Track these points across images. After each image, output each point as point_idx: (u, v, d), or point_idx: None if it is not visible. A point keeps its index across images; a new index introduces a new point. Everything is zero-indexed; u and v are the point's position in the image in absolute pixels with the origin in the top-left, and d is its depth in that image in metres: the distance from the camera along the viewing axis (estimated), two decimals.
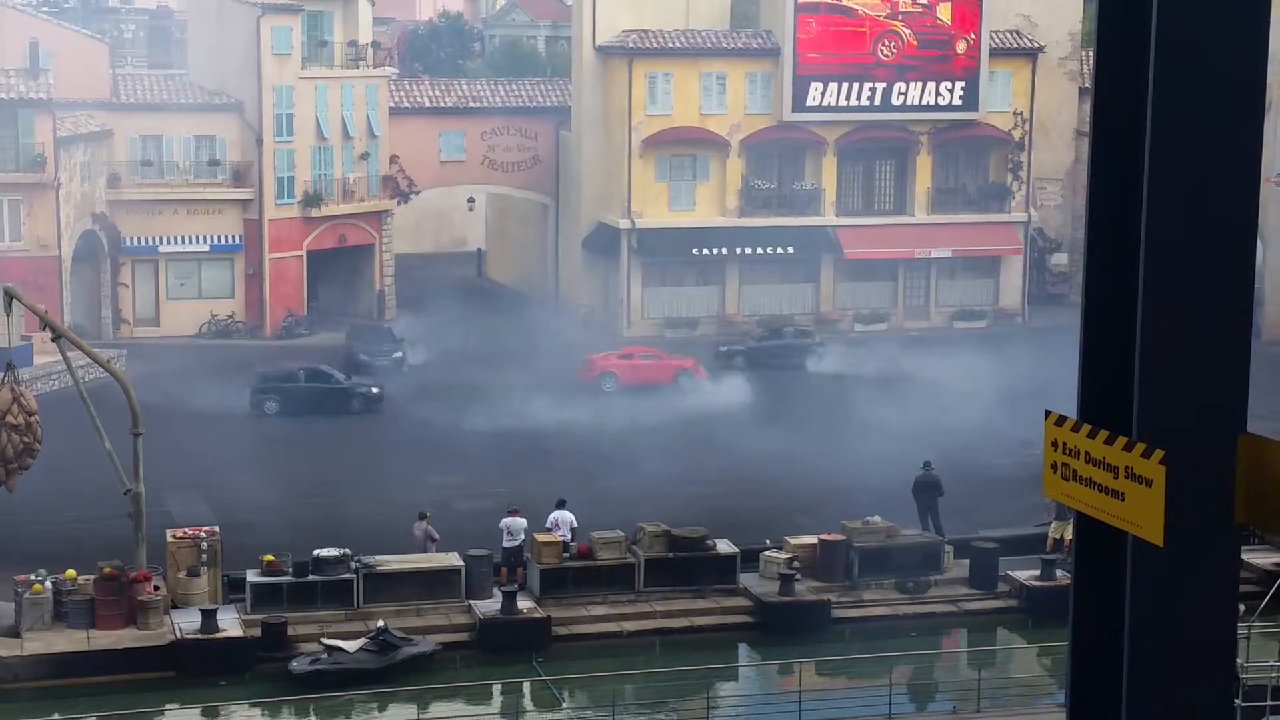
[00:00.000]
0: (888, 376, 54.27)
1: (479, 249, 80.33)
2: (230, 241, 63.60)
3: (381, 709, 30.58)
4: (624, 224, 64.23)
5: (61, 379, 46.22)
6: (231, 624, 32.20)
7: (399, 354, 57.16)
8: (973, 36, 65.00)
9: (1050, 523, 36.85)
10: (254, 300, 63.91)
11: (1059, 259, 71.82)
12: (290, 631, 32.18)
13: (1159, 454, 7.69)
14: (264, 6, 62.69)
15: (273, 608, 32.62)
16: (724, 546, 35.20)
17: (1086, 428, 8.18)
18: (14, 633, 31.84)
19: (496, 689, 31.58)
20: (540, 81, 73.99)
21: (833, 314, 66.03)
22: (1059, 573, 34.59)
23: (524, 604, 33.30)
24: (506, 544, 34.86)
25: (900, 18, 64.32)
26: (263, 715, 30.56)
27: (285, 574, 33.26)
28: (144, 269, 63.33)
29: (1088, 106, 58.50)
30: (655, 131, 63.90)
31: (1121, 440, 7.92)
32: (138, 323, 63.18)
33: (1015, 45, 67.21)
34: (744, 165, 65.07)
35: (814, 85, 64.14)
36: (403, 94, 69.30)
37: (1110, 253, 8.11)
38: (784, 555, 34.97)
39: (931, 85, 64.98)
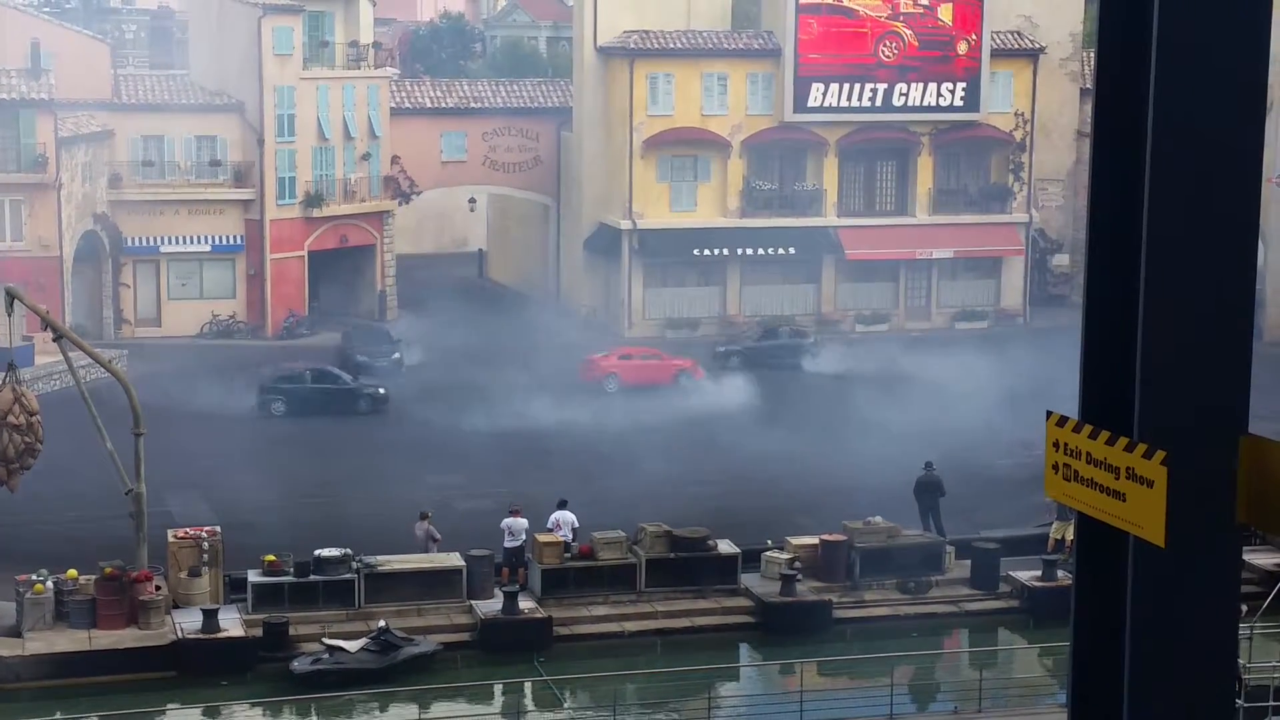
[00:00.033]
0: (885, 376, 54.26)
1: (480, 249, 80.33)
2: (231, 242, 63.61)
3: (383, 709, 30.59)
4: (625, 225, 64.23)
5: (63, 379, 46.23)
6: (233, 624, 32.21)
7: (397, 355, 57.14)
8: (974, 37, 65.00)
9: (1051, 523, 36.85)
10: (255, 300, 63.92)
11: (1060, 260, 71.82)
12: (291, 631, 32.20)
13: (1160, 455, 7.70)
14: (265, 7, 62.71)
15: (274, 608, 32.63)
16: (725, 547, 35.21)
17: (1088, 428, 8.18)
18: (15, 632, 31.86)
19: (498, 689, 31.59)
20: (541, 82, 73.99)
21: (834, 315, 66.03)
22: (1060, 573, 34.60)
23: (525, 604, 33.31)
24: (508, 544, 34.87)
25: (901, 19, 64.31)
26: (264, 715, 30.57)
27: (286, 574, 33.27)
28: (145, 269, 63.35)
29: (1089, 107, 58.39)
30: (656, 132, 63.90)
31: (1123, 441, 7.93)
32: (139, 323, 63.20)
33: (1016, 46, 67.20)
34: (745, 166, 65.08)
35: (815, 86, 64.14)
36: (404, 94, 69.31)
37: (1111, 253, 8.11)
38: (785, 555, 34.97)
39: (933, 86, 64.99)
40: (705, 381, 54.77)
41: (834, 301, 66.35)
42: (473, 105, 69.32)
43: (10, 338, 41.13)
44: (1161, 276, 7.75)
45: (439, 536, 35.42)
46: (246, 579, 33.33)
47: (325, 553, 33.50)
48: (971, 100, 65.44)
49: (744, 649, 33.96)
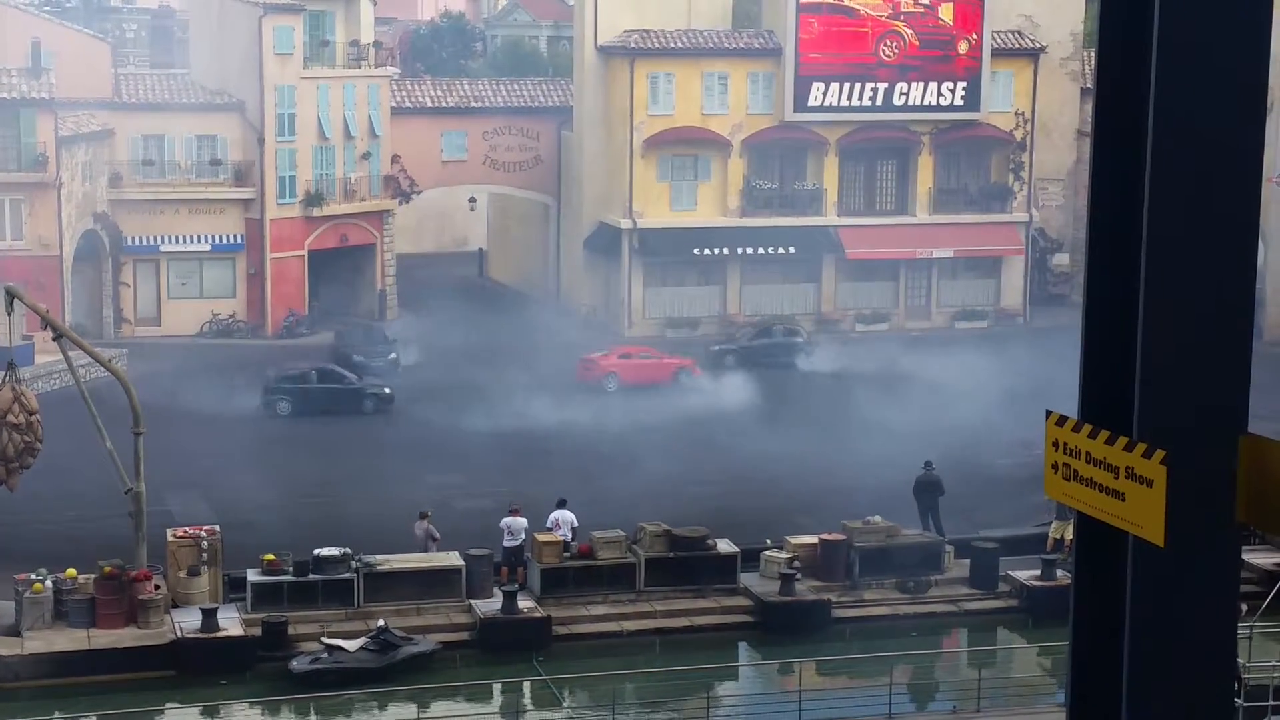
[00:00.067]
0: (884, 375, 54.26)
1: (480, 249, 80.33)
2: (232, 241, 63.61)
3: (382, 708, 30.59)
4: (625, 224, 64.24)
5: (62, 378, 46.22)
6: (232, 623, 32.21)
7: (393, 355, 57.08)
8: (974, 37, 65.00)
9: (1051, 523, 36.85)
10: (255, 300, 63.92)
11: (1060, 259, 71.83)
12: (291, 631, 32.19)
13: (1160, 454, 7.70)
14: (266, 6, 62.70)
15: (273, 607, 32.63)
16: (724, 546, 35.21)
17: (1087, 428, 8.18)
18: (14, 632, 31.85)
19: (497, 688, 31.59)
20: (542, 81, 74.00)
21: (834, 314, 66.04)
22: (1059, 573, 34.60)
23: (524, 603, 33.31)
24: (507, 543, 34.87)
25: (902, 18, 64.32)
26: (263, 714, 30.57)
27: (286, 573, 33.27)
28: (145, 268, 63.35)
29: (1089, 107, 58.42)
30: (657, 131, 63.90)
31: (1122, 440, 7.93)
32: (139, 322, 63.19)
33: (1017, 45, 67.20)
34: (745, 165, 65.07)
35: (816, 85, 64.14)
36: (404, 94, 69.31)
37: (1112, 253, 8.12)
38: (784, 555, 34.97)
39: (933, 85, 64.99)
40: (704, 381, 54.79)
41: (834, 301, 66.35)
42: (473, 104, 69.32)
43: (10, 337, 41.13)
44: (1161, 276, 7.75)
45: (438, 536, 35.42)
46: (246, 578, 33.33)
47: (324, 552, 33.49)
48: (972, 100, 65.45)
49: (743, 648, 33.96)
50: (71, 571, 32.67)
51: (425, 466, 44.13)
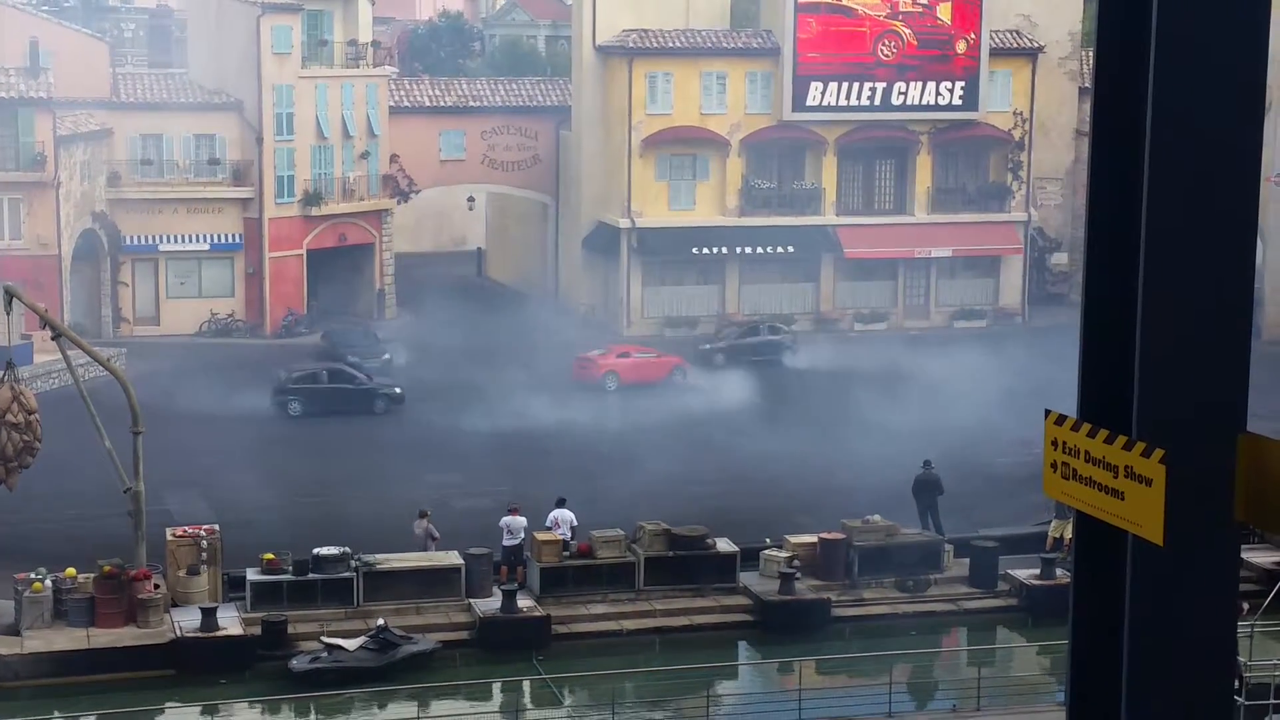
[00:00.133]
0: (875, 373, 54.27)
1: (479, 248, 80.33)
2: (230, 240, 63.61)
3: (381, 707, 30.59)
4: (624, 223, 64.23)
5: (61, 377, 46.21)
6: (231, 622, 32.21)
7: (387, 355, 57.00)
8: (973, 36, 65.01)
9: (1050, 521, 36.85)
10: (254, 299, 63.91)
11: (1059, 258, 71.83)
12: (290, 630, 32.19)
13: (1159, 453, 7.71)
14: (264, 6, 62.70)
15: (273, 606, 32.62)
16: (724, 545, 35.20)
17: (1086, 427, 8.20)
18: (14, 631, 31.85)
19: (496, 687, 31.58)
20: (540, 81, 74.01)
21: (833, 313, 66.05)
22: (1059, 571, 34.60)
23: (524, 602, 33.30)
24: (506, 542, 34.87)
25: (900, 17, 64.32)
26: (262, 713, 30.57)
27: (285, 572, 33.27)
28: (144, 268, 63.34)
29: (1088, 106, 58.54)
30: (655, 131, 63.90)
31: (1121, 439, 7.94)
32: (138, 321, 63.19)
33: (1015, 45, 67.22)
34: (744, 165, 65.08)
35: (814, 85, 64.14)
36: (403, 93, 69.32)
37: (1110, 252, 8.13)
38: (784, 554, 34.97)
39: (931, 85, 65.00)
40: (701, 379, 54.86)
41: (832, 300, 66.36)
42: (471, 104, 69.32)
43: (9, 336, 41.10)
44: (1160, 275, 7.76)
45: (438, 535, 35.42)
46: (245, 577, 33.33)
47: (324, 551, 33.49)
48: (970, 99, 65.45)
49: (743, 647, 33.96)
50: (71, 571, 32.66)
51: (424, 466, 44.13)
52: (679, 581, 34.56)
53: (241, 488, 40.21)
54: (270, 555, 33.54)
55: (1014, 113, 66.87)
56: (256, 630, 32.02)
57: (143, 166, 62.85)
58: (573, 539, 34.99)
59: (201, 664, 31.23)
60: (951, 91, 65.19)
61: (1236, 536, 7.99)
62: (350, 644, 31.25)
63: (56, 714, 29.86)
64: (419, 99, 69.35)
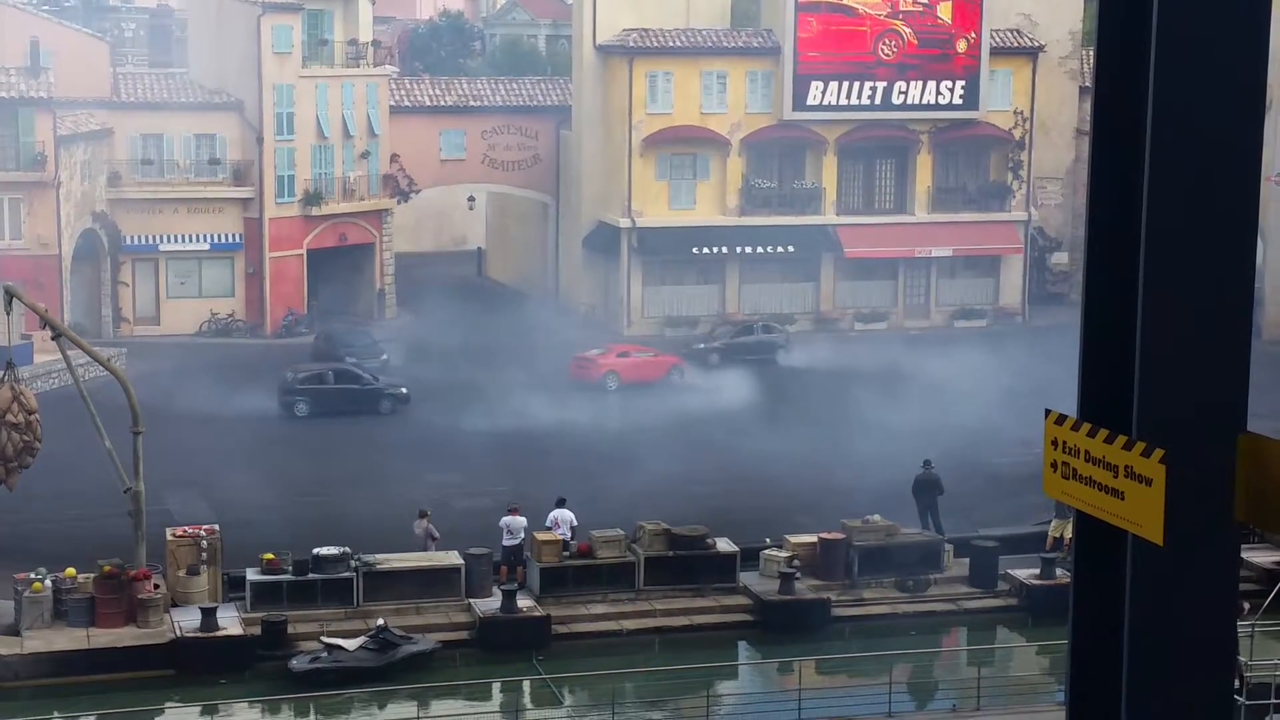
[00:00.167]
0: (875, 373, 54.29)
1: (479, 248, 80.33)
2: (230, 240, 63.61)
3: (381, 707, 30.58)
4: (624, 223, 64.23)
5: (61, 377, 46.20)
6: (231, 622, 32.20)
7: (385, 355, 56.97)
8: (973, 35, 65.00)
9: (1050, 521, 36.84)
10: (254, 299, 63.91)
11: (1059, 258, 71.84)
12: (290, 630, 32.18)
13: (1159, 453, 7.70)
14: (264, 5, 62.70)
15: (272, 606, 32.61)
16: (724, 545, 35.19)
17: (1086, 426, 8.19)
18: (14, 631, 31.84)
19: (496, 687, 31.57)
20: (540, 80, 74.00)
21: (833, 313, 66.05)
22: (1059, 571, 34.59)
23: (524, 602, 33.29)
24: (506, 542, 34.86)
25: (901, 17, 64.32)
26: (262, 713, 30.56)
27: (285, 572, 33.26)
28: (144, 267, 63.34)
29: (1088, 105, 58.48)
30: (655, 130, 63.90)
31: (1121, 439, 7.93)
32: (138, 321, 63.19)
33: (1016, 44, 67.22)
34: (744, 164, 65.08)
35: (814, 84, 64.14)
36: (403, 93, 69.31)
37: (1110, 251, 8.12)
38: (784, 554, 34.96)
39: (932, 84, 64.99)
40: (698, 379, 54.90)
41: (833, 300, 66.36)
42: (472, 104, 69.33)
43: (9, 336, 41.10)
44: (1160, 274, 7.76)
45: (438, 535, 35.41)
46: (245, 577, 33.32)
47: (324, 551, 33.48)
48: (971, 98, 65.45)
49: (742, 647, 33.95)
50: (71, 571, 32.65)
51: (424, 466, 44.12)
52: (679, 581, 34.55)
53: (241, 488, 40.20)
54: (270, 555, 33.53)
55: (1014, 112, 66.87)
56: (256, 630, 32.02)
57: (143, 166, 62.85)
58: (573, 539, 34.98)
59: (201, 664, 31.22)
60: (952, 91, 65.19)
61: (1236, 536, 7.98)
62: (350, 644, 31.24)
63: (56, 714, 29.85)
64: (419, 98, 69.35)
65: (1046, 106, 68.60)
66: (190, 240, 63.22)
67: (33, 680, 30.59)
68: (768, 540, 36.02)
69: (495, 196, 75.26)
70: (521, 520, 35.04)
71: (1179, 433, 7.74)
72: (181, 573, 33.03)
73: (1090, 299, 8.26)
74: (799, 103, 64.17)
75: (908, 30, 64.37)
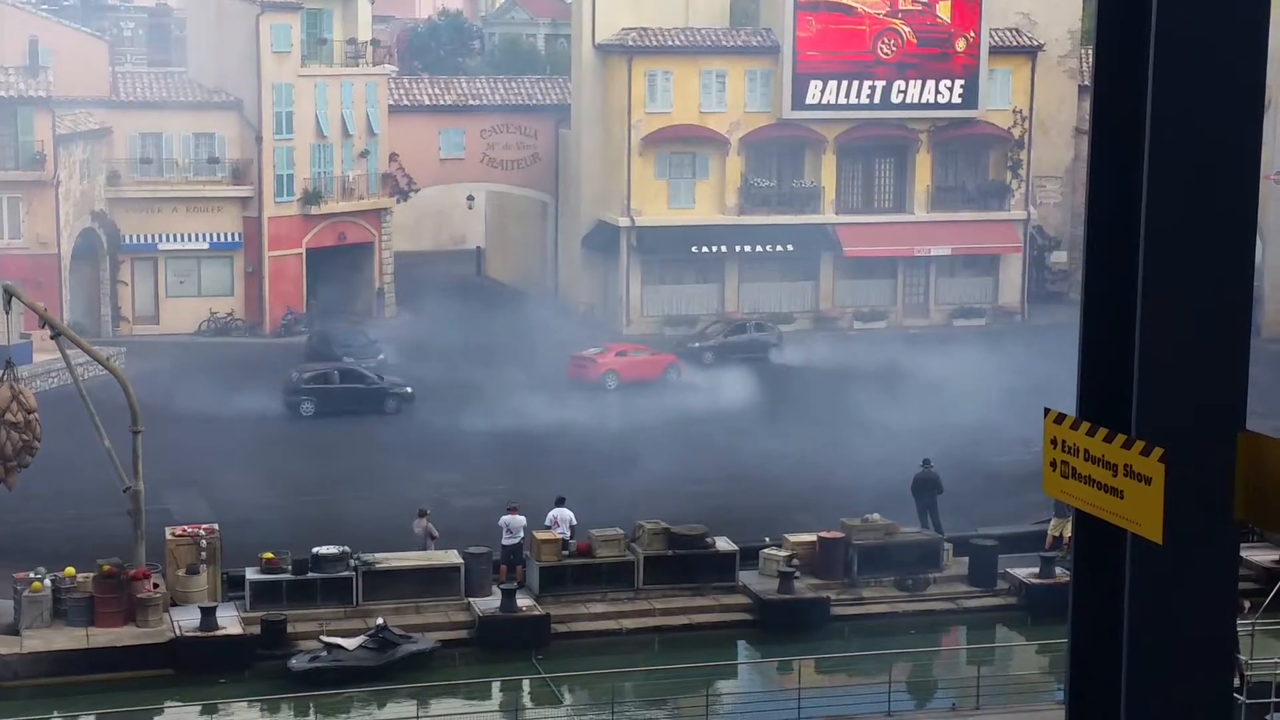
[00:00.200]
0: (875, 372, 54.30)
1: (478, 247, 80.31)
2: (230, 239, 63.60)
3: (381, 706, 30.58)
4: (623, 222, 64.22)
5: (61, 376, 46.19)
6: (231, 621, 32.20)
7: (382, 355, 56.94)
8: (972, 34, 65.00)
9: (1049, 520, 36.84)
10: (253, 298, 63.90)
11: (1058, 257, 71.83)
12: (289, 629, 32.18)
13: (1158, 451, 7.70)
14: (263, 4, 62.67)
15: (272, 605, 32.61)
16: (723, 544, 35.20)
17: (1086, 425, 8.19)
18: (13, 630, 31.84)
19: (496, 686, 31.58)
20: (540, 79, 74.00)
21: (832, 311, 66.04)
22: (1058, 570, 34.59)
23: (523, 601, 33.29)
24: (506, 541, 34.87)
25: (900, 16, 64.32)
26: (262, 713, 30.55)
27: (284, 571, 33.26)
28: (143, 266, 63.33)
29: (1087, 104, 58.51)
30: (655, 129, 63.89)
31: (1121, 438, 7.93)
32: (137, 320, 63.17)
33: (1015, 43, 67.23)
34: (743, 163, 65.07)
35: (813, 83, 64.13)
36: (402, 92, 69.30)
37: (1110, 250, 8.12)
38: (783, 553, 34.97)
39: (931, 83, 64.99)
40: (693, 376, 54.92)
41: (832, 298, 66.36)
42: (471, 103, 69.32)
43: (8, 335, 41.07)
44: (1160, 273, 7.76)
45: (437, 534, 35.40)
46: (244, 576, 33.32)
47: (323, 550, 33.48)
48: (970, 97, 65.45)
49: (742, 646, 33.95)
50: (70, 570, 32.65)
51: (424, 465, 44.12)
52: (678, 580, 34.55)
53: (241, 487, 40.20)
54: (269, 554, 33.53)
55: (1013, 111, 66.88)
56: (256, 629, 32.02)
57: (142, 165, 62.84)
58: (572, 538, 34.98)
59: (201, 663, 31.23)
60: (951, 90, 65.18)
61: (1236, 535, 7.98)
62: (350, 643, 31.24)
63: (56, 714, 29.85)
64: (418, 97, 69.34)
65: (1046, 105, 68.60)
66: (189, 239, 63.21)
67: (32, 680, 30.59)
68: (767, 539, 36.02)
69: (494, 195, 75.25)
70: (521, 519, 35.05)
71: (1178, 431, 7.74)
72: (181, 572, 33.03)
73: (1090, 298, 8.26)
74: (798, 102, 64.16)
75: (907, 29, 64.37)
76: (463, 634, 32.91)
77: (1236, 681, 22.86)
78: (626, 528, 35.36)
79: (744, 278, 65.47)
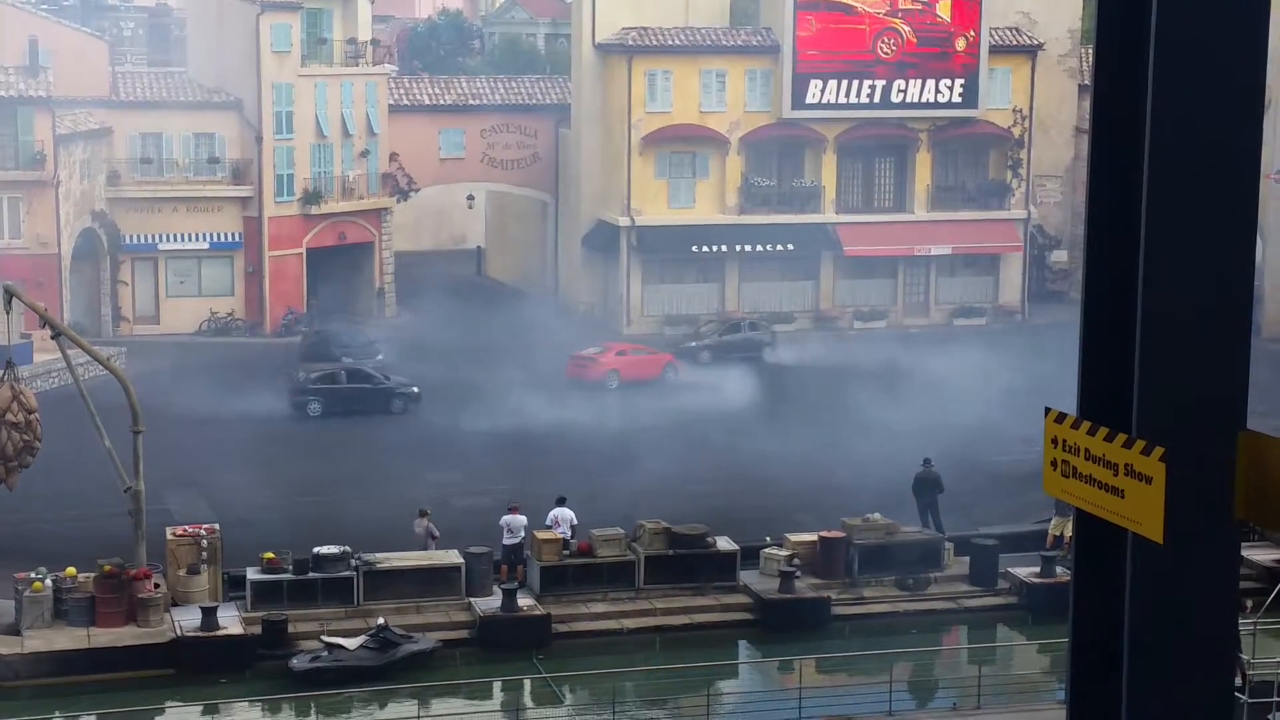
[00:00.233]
0: (875, 371, 54.31)
1: (479, 246, 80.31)
2: (230, 239, 63.60)
3: (381, 706, 30.58)
4: (623, 221, 64.22)
5: (61, 377, 46.19)
6: (232, 621, 32.20)
7: (381, 355, 56.92)
8: (972, 34, 64.99)
9: (1050, 519, 36.84)
10: (254, 298, 63.90)
11: (1059, 256, 71.83)
12: (290, 629, 32.17)
13: (1159, 451, 7.70)
14: (263, 4, 62.67)
15: (273, 605, 32.61)
16: (724, 543, 35.19)
17: (1086, 424, 8.19)
18: (14, 630, 31.84)
19: (497, 686, 31.58)
20: (540, 79, 73.99)
21: (832, 311, 66.04)
22: (1059, 569, 34.59)
23: (524, 601, 33.29)
24: (506, 541, 34.87)
25: (900, 15, 64.31)
26: (263, 713, 30.55)
27: (285, 571, 33.26)
28: (143, 266, 63.33)
29: (1087, 103, 58.51)
30: (655, 129, 63.89)
31: (1121, 437, 7.93)
32: (137, 320, 63.17)
33: (1015, 42, 67.22)
34: (743, 162, 65.07)
35: (813, 82, 64.13)
36: (402, 91, 69.30)
37: (1110, 249, 8.12)
38: (784, 552, 34.96)
39: (931, 82, 64.98)
40: (690, 375, 54.94)
41: (832, 298, 66.35)
42: (471, 102, 69.32)
43: (9, 335, 41.08)
44: (1160, 272, 7.76)
45: (438, 534, 35.40)
46: (245, 576, 33.32)
47: (324, 550, 33.48)
48: (970, 97, 65.44)
49: (743, 646, 33.95)
50: (71, 570, 32.65)
51: (424, 465, 44.12)
52: (679, 580, 34.55)
53: (241, 487, 40.20)
54: (270, 554, 33.53)
55: (1013, 110, 66.87)
56: (257, 629, 32.02)
57: (142, 165, 62.84)
58: (573, 538, 34.98)
59: (202, 663, 31.23)
60: (951, 89, 65.18)
61: (1236, 534, 7.98)
62: (350, 643, 31.24)
63: (56, 714, 29.85)
64: (418, 97, 69.34)
65: (1046, 104, 68.60)
66: (190, 239, 63.21)
67: (33, 680, 30.59)
68: (768, 539, 36.02)
69: (494, 195, 75.25)
70: (522, 519, 35.05)
71: (1179, 431, 7.74)
72: (182, 572, 33.03)
73: (1090, 297, 8.26)
74: (798, 101, 64.16)
75: (907, 28, 64.36)
76: (463, 634, 32.91)
77: (1238, 681, 22.87)
78: (627, 527, 35.36)
79: (744, 277, 65.47)
